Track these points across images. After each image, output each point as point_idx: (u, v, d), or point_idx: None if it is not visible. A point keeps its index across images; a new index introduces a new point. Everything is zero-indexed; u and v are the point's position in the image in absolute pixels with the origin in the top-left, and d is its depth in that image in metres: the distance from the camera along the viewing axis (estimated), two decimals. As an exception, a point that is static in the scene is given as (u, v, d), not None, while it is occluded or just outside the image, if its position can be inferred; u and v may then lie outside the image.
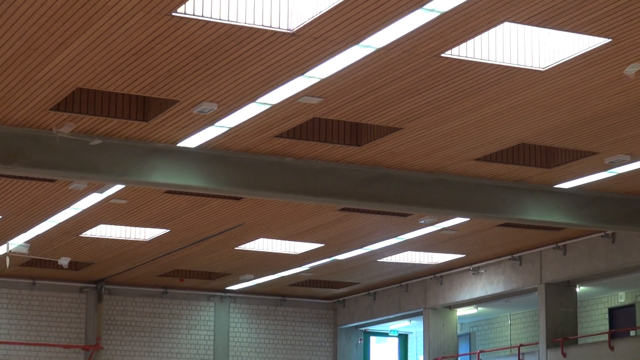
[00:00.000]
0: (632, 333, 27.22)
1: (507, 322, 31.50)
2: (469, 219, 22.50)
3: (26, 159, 17.27)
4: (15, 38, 13.83)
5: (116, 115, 16.76)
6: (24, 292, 29.41)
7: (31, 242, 24.92)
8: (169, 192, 20.74)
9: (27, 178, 19.85)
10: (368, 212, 22.15)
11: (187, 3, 12.98)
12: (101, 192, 20.79)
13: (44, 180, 19.98)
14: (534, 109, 16.28)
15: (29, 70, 14.96)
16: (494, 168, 19.27)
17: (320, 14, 13.15)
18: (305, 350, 31.78)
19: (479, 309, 30.06)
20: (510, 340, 30.79)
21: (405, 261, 27.19)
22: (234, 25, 13.45)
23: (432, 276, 28.76)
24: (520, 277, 26.45)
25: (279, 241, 25.24)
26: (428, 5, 12.82)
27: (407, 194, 19.52)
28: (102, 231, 24.42)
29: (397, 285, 29.93)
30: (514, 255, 26.45)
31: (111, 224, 23.72)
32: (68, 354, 29.53)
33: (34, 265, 27.85)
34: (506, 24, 13.41)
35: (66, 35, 13.73)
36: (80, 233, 24.33)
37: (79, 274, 28.81)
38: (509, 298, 27.93)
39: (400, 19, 13.20)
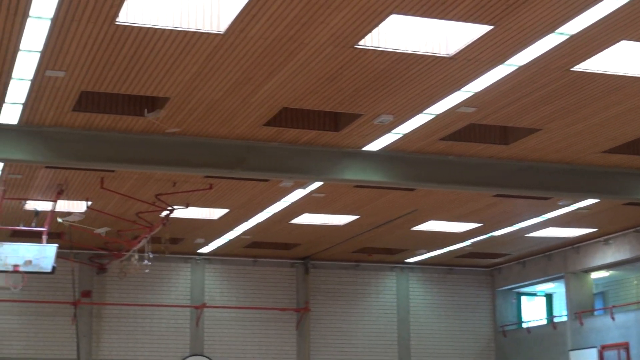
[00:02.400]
0: None
1: (634, 282, 30.74)
2: (599, 200, 22.04)
3: (246, 165, 17.53)
4: (235, 71, 14.09)
5: (314, 128, 16.92)
6: (247, 268, 29.81)
7: (252, 229, 25.32)
8: (358, 186, 20.82)
9: (247, 179, 20.15)
10: (516, 197, 21.87)
11: (366, 37, 13.06)
12: (304, 188, 20.97)
13: (260, 180, 20.27)
14: (650, 109, 15.92)
15: (246, 95, 15.21)
16: (618, 158, 18.83)
17: (473, 41, 13.09)
18: (469, 309, 31.50)
19: (610, 272, 29.42)
20: (638, 297, 30.05)
21: (548, 235, 26.75)
22: (404, 53, 13.47)
23: (570, 247, 28.22)
24: (643, 246, 25.96)
25: (445, 222, 25.09)
26: (559, 30, 12.66)
27: (547, 182, 19.23)
28: (306, 219, 24.61)
29: (542, 255, 29.46)
30: (637, 228, 25.81)
31: (313, 213, 23.89)
32: (284, 315, 29.83)
33: (255, 247, 28.28)
34: (623, 41, 13.13)
35: (274, 66, 13.93)
36: (289, 221, 24.58)
37: (290, 252, 29.12)
38: (634, 262, 27.29)
39: (537, 42, 13.06)
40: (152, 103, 15.95)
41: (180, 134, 16.98)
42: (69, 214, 21.97)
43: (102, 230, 21.91)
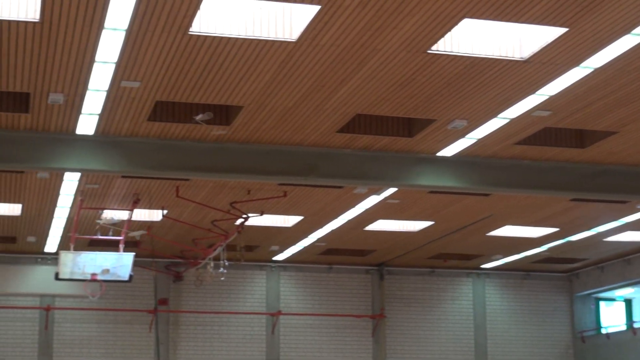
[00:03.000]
0: None
1: None
2: (678, 203, 21.68)
3: (320, 172, 17.58)
4: (308, 78, 14.13)
5: (388, 134, 16.89)
6: (322, 275, 29.85)
7: (326, 236, 25.36)
8: (432, 192, 20.74)
9: (321, 186, 20.19)
10: (593, 201, 21.61)
11: (439, 42, 13.01)
12: (378, 194, 20.96)
13: (334, 187, 20.29)
14: None
15: (319, 102, 15.24)
16: (698, 160, 18.55)
17: (547, 44, 12.96)
18: (547, 315, 31.15)
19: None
20: None
21: (626, 240, 26.37)
22: (477, 57, 13.39)
23: (649, 251, 27.86)
24: None
25: (521, 227, 24.87)
26: (635, 31, 12.48)
27: (624, 185, 18.96)
28: (381, 225, 24.57)
29: (621, 259, 29.06)
30: None
31: (387, 219, 23.85)
32: (359, 322, 29.81)
33: (330, 254, 28.31)
34: (702, 41, 12.92)
35: (346, 73, 13.95)
36: (364, 227, 24.56)
37: (365, 259, 29.10)
38: None
39: (612, 43, 12.89)
40: (226, 112, 16.07)
41: (254, 142, 17.07)
42: (143, 223, 22.19)
43: (137, 234, 22.02)
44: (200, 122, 15.62)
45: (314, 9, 11.87)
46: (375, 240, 26.34)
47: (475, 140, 17.23)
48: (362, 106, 15.41)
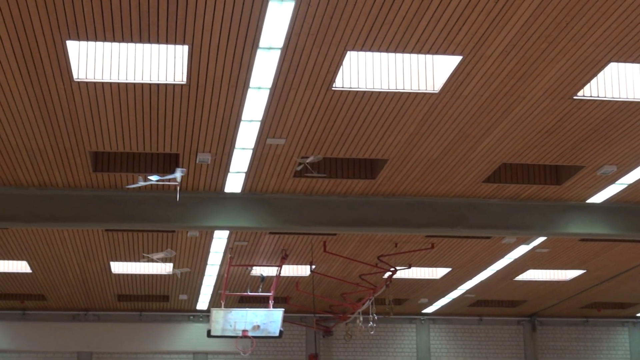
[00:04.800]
0: None
1: None
2: None
3: (467, 222, 17.45)
4: (451, 129, 14.09)
5: (535, 182, 16.68)
6: (473, 327, 29.54)
7: (475, 287, 25.10)
8: (583, 239, 20.35)
9: (469, 237, 20.04)
10: None
11: (584, 87, 12.82)
12: (527, 244, 20.69)
13: (482, 237, 20.11)
14: None
15: (464, 153, 15.17)
16: None
17: (697, 84, 12.64)
18: None
19: None
20: None
21: None
22: (625, 102, 13.13)
23: None
24: None
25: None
26: None
27: None
28: (531, 275, 24.22)
29: None
30: None
31: (537, 268, 23.49)
32: (512, 374, 29.42)
33: (480, 306, 28.00)
34: None
35: (491, 122, 13.86)
36: (514, 277, 24.23)
37: (515, 310, 28.68)
38: None
39: None
40: (371, 165, 16.14)
41: (399, 195, 17.07)
42: (291, 279, 22.35)
43: (178, 271, 22.05)
44: (309, 169, 15.49)
45: (456, 59, 11.86)
46: (525, 291, 25.94)
47: (625, 186, 16.85)
48: (507, 155, 15.27)
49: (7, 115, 13.33)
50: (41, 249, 20.85)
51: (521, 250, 21.26)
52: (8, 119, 13.46)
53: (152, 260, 19.88)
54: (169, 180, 14.20)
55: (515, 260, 22.25)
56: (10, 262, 22.67)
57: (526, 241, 20.41)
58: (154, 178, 13.91)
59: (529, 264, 22.75)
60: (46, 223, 16.75)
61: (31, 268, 22.68)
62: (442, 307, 28.00)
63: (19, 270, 22.97)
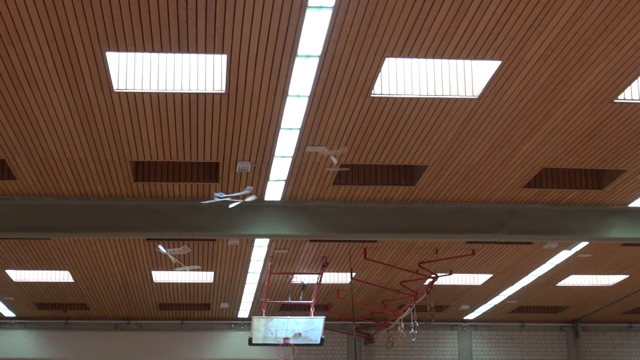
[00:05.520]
0: None
1: None
2: None
3: (508, 228, 17.37)
4: (491, 134, 14.04)
5: (576, 187, 16.57)
6: (515, 333, 29.38)
7: (517, 293, 24.97)
8: (626, 244, 20.19)
9: (510, 243, 19.95)
10: None
11: (625, 90, 12.73)
12: (569, 249, 20.56)
13: (523, 243, 20.02)
14: None
15: (504, 158, 15.10)
16: None
17: None
18: None
19: None
20: None
21: None
22: (666, 104, 13.05)
23: None
24: None
25: None
26: None
27: None
28: (574, 280, 24.06)
29: None
30: None
31: (580, 274, 23.33)
32: (556, 381, 29.24)
33: (521, 312, 27.85)
34: None
35: (531, 127, 13.79)
36: (556, 283, 24.09)
37: (558, 316, 28.50)
38: None
39: None
40: (411, 172, 16.11)
41: (439, 201, 17.03)
42: (332, 286, 22.33)
43: (187, 268, 21.88)
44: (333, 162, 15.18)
45: (495, 64, 11.82)
46: (568, 296, 25.78)
47: (669, 189, 16.73)
48: (548, 160, 15.19)
49: (48, 127, 13.45)
50: (83, 259, 21.00)
51: (563, 255, 21.13)
52: (50, 130, 13.59)
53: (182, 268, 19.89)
54: (243, 197, 14.42)
55: (557, 266, 22.12)
56: (53, 272, 22.85)
57: (568, 246, 20.29)
58: (223, 195, 14.12)
59: (571, 269, 22.61)
60: (88, 233, 16.87)
61: (73, 278, 22.84)
62: (484, 313, 27.89)
63: (62, 280, 23.14)
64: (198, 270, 22.09)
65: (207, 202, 15.33)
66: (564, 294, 25.48)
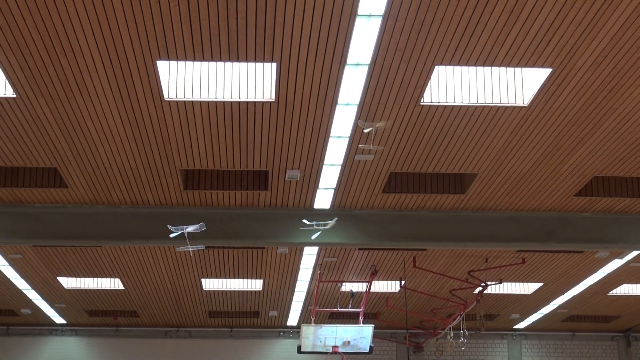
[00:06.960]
0: None
1: None
2: None
3: (558, 237, 17.24)
4: (542, 142, 13.95)
5: (628, 195, 16.40)
6: (566, 343, 29.16)
7: (568, 302, 24.77)
8: (678, 253, 20.00)
9: (560, 251, 19.80)
10: None
11: (678, 98, 12.59)
12: (621, 258, 20.38)
13: (574, 252, 19.86)
14: None
15: (555, 166, 15.00)
16: None
17: None
18: None
19: None
20: None
21: None
22: None
23: None
24: None
25: None
26: None
27: None
28: (626, 289, 23.83)
29: None
30: None
31: (632, 283, 23.10)
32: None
33: (572, 321, 27.63)
34: None
35: (582, 135, 13.68)
36: (607, 292, 23.86)
37: (609, 325, 28.23)
38: None
39: None
40: (460, 180, 16.05)
41: (489, 209, 16.94)
42: (381, 294, 22.27)
43: (190, 248, 21.66)
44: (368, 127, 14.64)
45: (546, 72, 11.74)
46: (620, 306, 25.53)
47: None
48: (599, 168, 15.05)
49: (100, 135, 13.56)
50: (133, 266, 21.14)
51: (615, 264, 20.93)
52: (101, 139, 13.70)
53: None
54: (326, 225, 14.64)
55: (609, 275, 21.92)
56: (104, 279, 23.03)
57: (620, 255, 20.09)
58: (309, 223, 14.45)
59: (623, 278, 22.38)
60: (138, 241, 16.98)
61: (124, 285, 23.00)
62: (534, 322, 27.68)
63: (112, 287, 23.32)
64: (201, 249, 22.02)
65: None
66: (616, 303, 25.23)
